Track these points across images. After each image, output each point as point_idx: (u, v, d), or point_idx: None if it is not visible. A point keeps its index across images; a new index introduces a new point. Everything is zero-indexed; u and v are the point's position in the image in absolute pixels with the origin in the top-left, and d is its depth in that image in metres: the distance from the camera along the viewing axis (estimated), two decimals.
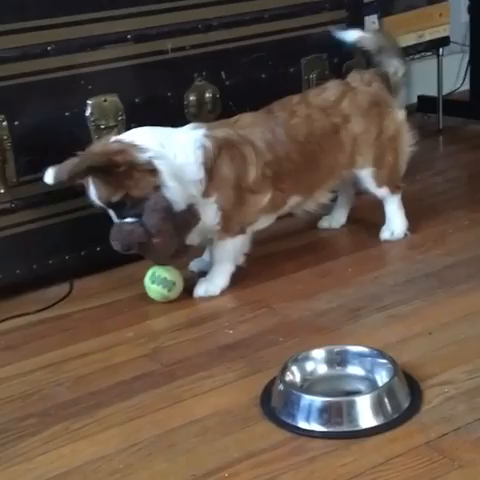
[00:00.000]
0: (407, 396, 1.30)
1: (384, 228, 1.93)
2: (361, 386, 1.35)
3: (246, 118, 1.74)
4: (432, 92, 2.72)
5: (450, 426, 1.23)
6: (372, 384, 1.34)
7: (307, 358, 1.40)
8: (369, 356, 1.38)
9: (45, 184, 1.63)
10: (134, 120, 1.79)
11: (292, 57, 1.99)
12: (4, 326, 1.65)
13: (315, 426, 1.27)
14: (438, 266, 1.77)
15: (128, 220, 1.58)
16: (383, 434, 1.23)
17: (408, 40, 2.51)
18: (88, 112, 1.74)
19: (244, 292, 1.73)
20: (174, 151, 1.61)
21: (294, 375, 1.37)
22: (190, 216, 1.62)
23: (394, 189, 1.91)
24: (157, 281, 1.68)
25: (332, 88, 1.84)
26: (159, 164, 1.57)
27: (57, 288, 1.79)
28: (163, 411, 1.34)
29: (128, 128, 1.77)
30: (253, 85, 1.94)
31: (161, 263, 1.67)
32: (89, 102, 1.74)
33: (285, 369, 1.36)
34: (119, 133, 1.71)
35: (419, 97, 2.81)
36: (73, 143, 1.71)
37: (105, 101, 1.76)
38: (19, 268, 1.75)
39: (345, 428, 1.25)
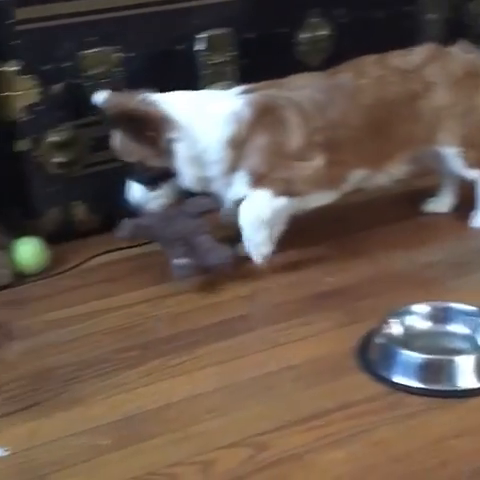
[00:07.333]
0: None
1: (473, 214, 1.72)
2: (463, 345, 1.31)
3: (299, 79, 1.57)
4: None
5: None
6: (475, 344, 1.30)
7: (408, 312, 1.36)
8: (474, 315, 1.34)
9: None
10: (244, 56, 1.76)
11: None
12: (107, 258, 1.68)
13: (412, 382, 1.24)
14: None
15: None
16: None
17: None
18: (199, 46, 1.72)
19: (345, 240, 1.70)
20: (201, 129, 1.50)
21: (394, 328, 1.34)
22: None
23: None
24: None
25: (421, 51, 1.63)
26: (177, 147, 1.50)
27: None
28: (259, 354, 1.34)
29: (238, 65, 1.74)
30: (369, 25, 1.85)
31: None
32: (201, 36, 1.71)
33: (385, 322, 1.33)
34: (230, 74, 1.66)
35: None
36: (183, 78, 1.71)
37: (217, 35, 1.72)
38: (124, 200, 1.76)
39: (443, 387, 1.22)
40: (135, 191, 1.58)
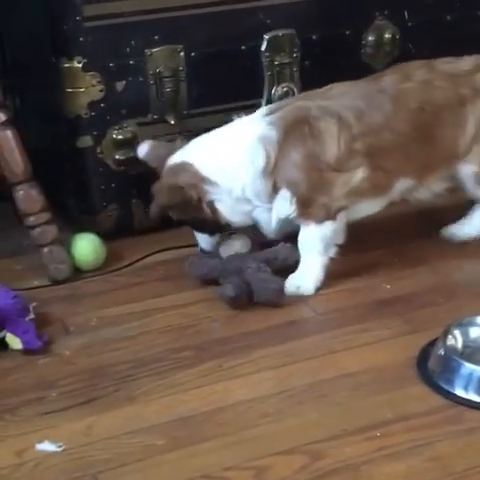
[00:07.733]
0: None
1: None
2: None
3: (338, 87, 1.52)
4: None
5: None
6: None
7: (472, 323, 1.33)
8: None
9: (212, 118, 1.62)
10: (308, 58, 1.74)
11: None
12: (163, 256, 1.67)
13: (473, 396, 1.21)
14: None
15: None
16: None
17: None
18: (264, 47, 1.70)
19: (404, 248, 1.66)
20: (233, 173, 1.47)
21: (456, 340, 1.31)
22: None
23: None
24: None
25: (470, 59, 1.58)
26: (220, 205, 1.50)
27: None
28: (315, 360, 1.32)
29: (301, 66, 1.72)
30: (437, 27, 1.81)
31: None
32: (266, 36, 1.69)
33: (447, 333, 1.30)
34: (291, 73, 1.65)
35: None
36: (245, 78, 1.69)
37: (282, 36, 1.70)
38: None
39: None
40: (201, 240, 1.59)
